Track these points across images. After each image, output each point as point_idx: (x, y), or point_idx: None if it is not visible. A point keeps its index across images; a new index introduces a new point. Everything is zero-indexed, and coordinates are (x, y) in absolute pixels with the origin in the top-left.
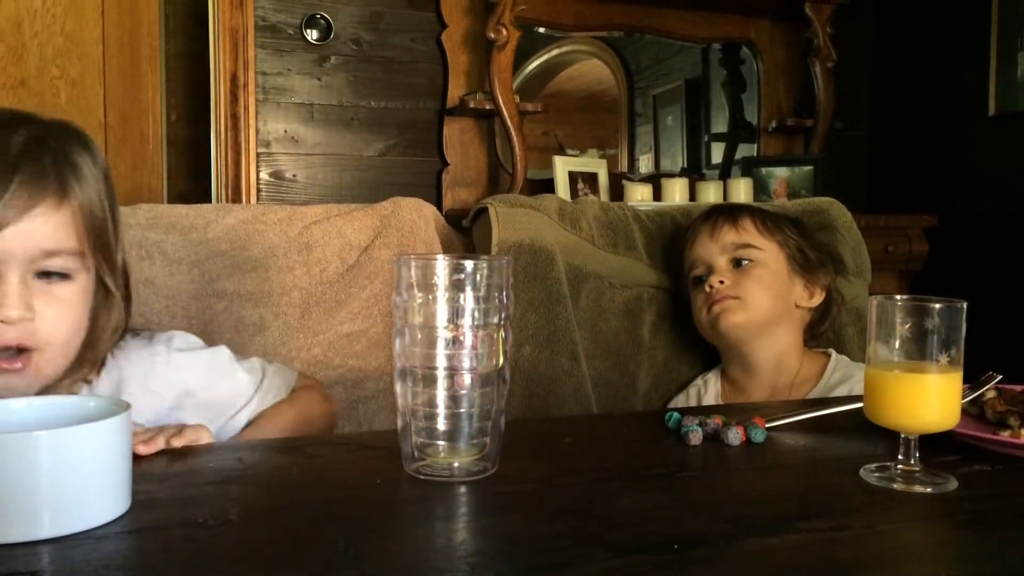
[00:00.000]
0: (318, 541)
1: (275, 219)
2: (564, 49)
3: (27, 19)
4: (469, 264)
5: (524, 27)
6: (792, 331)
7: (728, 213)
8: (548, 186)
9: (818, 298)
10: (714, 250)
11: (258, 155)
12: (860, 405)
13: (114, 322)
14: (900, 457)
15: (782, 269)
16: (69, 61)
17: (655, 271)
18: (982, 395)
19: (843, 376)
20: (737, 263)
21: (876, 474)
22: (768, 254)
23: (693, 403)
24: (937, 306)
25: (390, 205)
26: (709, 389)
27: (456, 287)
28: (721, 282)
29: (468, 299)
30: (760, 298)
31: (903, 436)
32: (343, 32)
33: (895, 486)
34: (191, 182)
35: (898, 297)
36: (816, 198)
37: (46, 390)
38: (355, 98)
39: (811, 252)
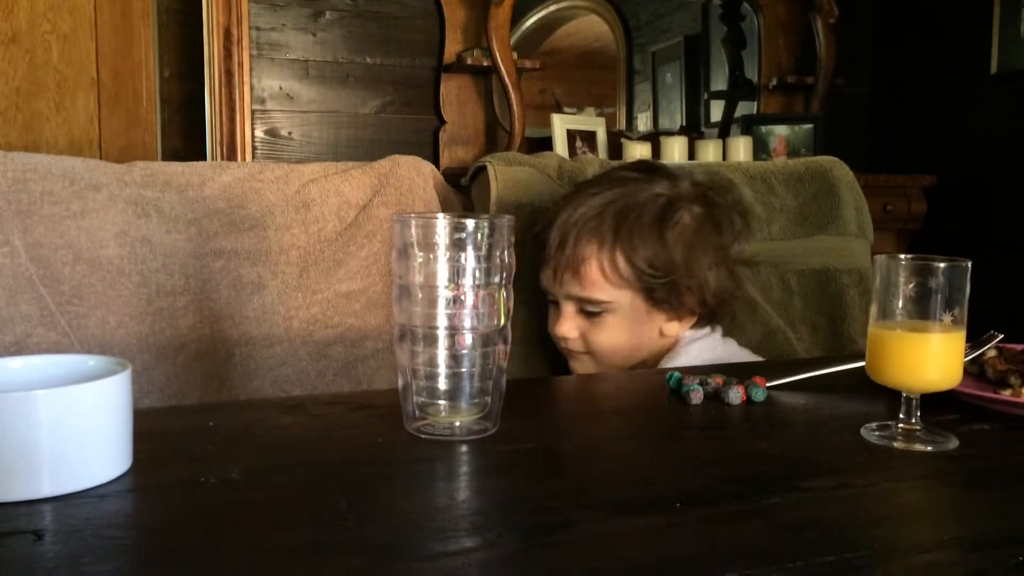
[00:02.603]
0: (320, 500)
1: (272, 177)
2: (562, 4)
3: None
4: (470, 223)
5: None
6: (669, 344)
7: (571, 259)
8: (546, 144)
9: (688, 321)
10: (559, 293)
11: (253, 112)
12: (862, 364)
13: None
14: (901, 416)
15: (639, 309)
16: (60, 15)
17: None
18: (982, 354)
19: (678, 353)
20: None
21: (877, 433)
22: (620, 302)
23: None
24: (942, 265)
25: (388, 163)
26: None
27: (457, 246)
28: (569, 336)
29: (469, 258)
30: (613, 349)
31: (904, 395)
32: None
33: (896, 445)
34: (185, 140)
35: (902, 256)
36: (819, 157)
37: None
38: (350, 54)
39: (682, 279)
